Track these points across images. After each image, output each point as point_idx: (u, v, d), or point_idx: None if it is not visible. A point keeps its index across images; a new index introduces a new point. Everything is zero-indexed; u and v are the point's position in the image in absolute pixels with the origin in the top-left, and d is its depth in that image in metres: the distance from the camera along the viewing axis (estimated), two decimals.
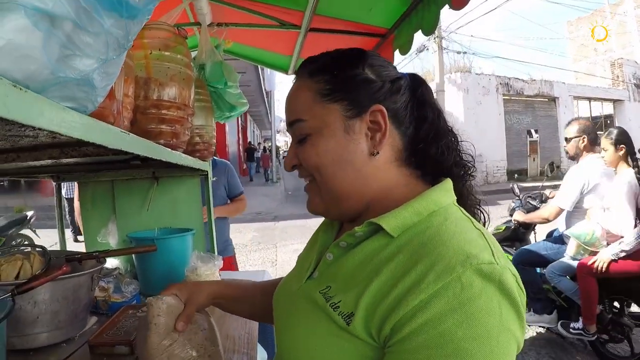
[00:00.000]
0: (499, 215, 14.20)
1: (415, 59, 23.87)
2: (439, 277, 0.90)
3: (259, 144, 46.94)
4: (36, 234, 9.80)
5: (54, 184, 3.23)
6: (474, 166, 1.26)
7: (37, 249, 2.07)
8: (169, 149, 1.82)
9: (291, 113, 1.20)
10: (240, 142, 34.48)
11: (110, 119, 1.12)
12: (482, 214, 1.24)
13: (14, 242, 8.71)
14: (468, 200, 1.23)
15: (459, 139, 1.25)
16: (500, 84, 25.53)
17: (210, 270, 2.48)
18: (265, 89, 29.48)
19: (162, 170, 3.03)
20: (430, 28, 2.57)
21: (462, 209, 1.12)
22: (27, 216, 10.06)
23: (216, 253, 3.07)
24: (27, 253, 2.03)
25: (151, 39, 1.88)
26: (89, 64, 0.78)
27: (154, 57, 1.85)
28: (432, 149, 1.16)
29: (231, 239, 4.65)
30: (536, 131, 26.94)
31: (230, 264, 4.43)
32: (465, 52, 24.43)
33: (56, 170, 2.76)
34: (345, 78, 1.14)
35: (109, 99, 1.12)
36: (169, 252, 2.66)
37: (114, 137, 1.13)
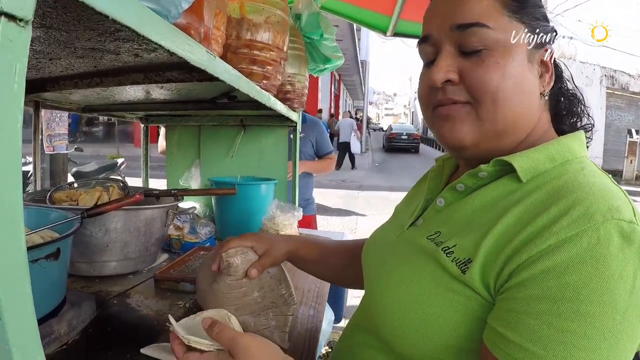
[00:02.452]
0: None
1: None
2: (574, 223, 0.78)
3: (350, 112, 47.20)
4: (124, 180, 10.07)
5: (142, 126, 3.26)
6: (593, 125, 1.17)
7: (118, 183, 2.08)
8: (259, 88, 1.77)
9: (467, 13, 0.99)
10: (332, 110, 34.59)
11: (195, 38, 1.05)
12: None
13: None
14: None
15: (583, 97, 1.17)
16: (605, 75, 23.99)
17: (289, 221, 2.46)
18: (360, 59, 29.38)
19: (251, 118, 3.02)
20: None
21: (597, 165, 1.00)
22: (117, 163, 10.36)
23: (296, 205, 3.04)
24: (107, 186, 2.04)
25: None
26: None
27: None
28: (565, 101, 1.13)
29: (314, 198, 4.58)
30: (637, 132, 24.63)
31: (310, 222, 4.38)
32: (570, 38, 23.52)
33: (142, 109, 2.77)
34: (532, 3, 1.02)
35: (197, 17, 1.06)
36: (249, 198, 2.66)
37: (200, 54, 1.06)
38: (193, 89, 1.87)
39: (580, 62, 23.77)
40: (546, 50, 1.02)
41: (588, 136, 1.12)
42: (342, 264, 1.52)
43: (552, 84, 1.04)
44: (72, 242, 1.38)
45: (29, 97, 2.14)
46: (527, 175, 0.94)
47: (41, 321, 1.21)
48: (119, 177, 9.80)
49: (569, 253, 0.76)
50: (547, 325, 0.75)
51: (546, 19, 1.04)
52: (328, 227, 9.66)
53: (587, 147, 1.09)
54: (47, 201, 1.89)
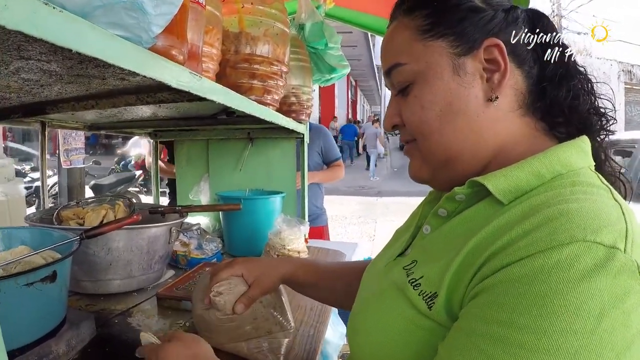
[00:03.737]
0: None
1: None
2: (534, 243, 0.69)
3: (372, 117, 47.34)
4: (143, 192, 10.18)
5: (151, 141, 3.31)
6: (614, 118, 1.01)
7: (123, 200, 2.10)
8: (255, 102, 1.78)
9: (388, 59, 1.01)
10: (350, 116, 34.63)
11: (178, 60, 1.05)
12: (622, 186, 0.96)
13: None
14: (605, 166, 0.98)
15: (594, 81, 1.00)
16: (623, 70, 23.60)
17: (295, 235, 2.45)
18: (376, 64, 29.43)
19: (257, 131, 3.04)
20: None
21: (601, 177, 0.88)
22: (135, 175, 10.47)
23: (307, 219, 3.05)
24: (114, 204, 2.06)
25: None
26: None
27: (246, 10, 1.80)
28: (561, 91, 0.94)
29: (325, 209, 4.50)
30: None
31: (321, 233, 4.31)
32: (585, 33, 23.32)
33: (150, 125, 2.80)
34: (447, 8, 0.95)
35: (178, 38, 1.05)
36: (255, 213, 2.65)
37: (181, 76, 1.07)
38: (191, 107, 1.89)
39: (597, 58, 23.58)
40: (491, 46, 0.92)
41: (603, 134, 0.99)
42: (343, 289, 1.42)
43: (504, 81, 0.92)
44: (77, 261, 1.41)
45: (34, 119, 2.17)
46: (508, 196, 0.85)
47: (40, 341, 1.23)
48: (135, 190, 9.94)
49: (517, 273, 0.68)
50: (475, 347, 0.69)
51: (478, 10, 0.94)
52: (346, 235, 9.64)
53: (603, 143, 0.99)
54: (54, 220, 1.91)
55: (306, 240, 2.69)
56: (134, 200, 2.15)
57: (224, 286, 1.33)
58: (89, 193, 8.54)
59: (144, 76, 0.90)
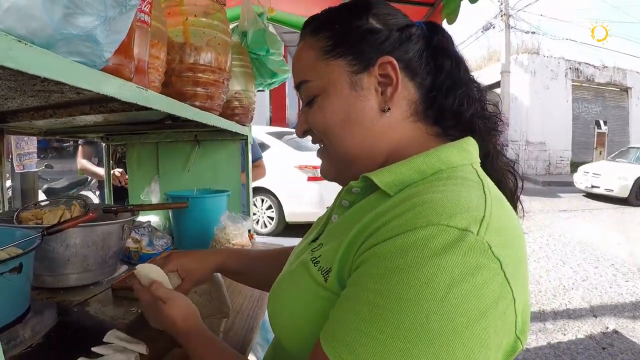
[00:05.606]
0: (557, 208, 13.66)
1: (481, 37, 23.19)
2: (399, 226, 0.81)
3: None
4: (95, 195, 10.06)
5: (104, 145, 3.41)
6: (502, 120, 1.14)
7: (79, 201, 2.21)
8: (197, 109, 1.92)
9: (297, 75, 1.14)
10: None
11: (127, 76, 1.19)
12: (513, 177, 1.12)
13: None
14: (497, 161, 1.11)
15: (482, 88, 1.14)
16: (570, 68, 24.16)
17: (239, 230, 2.59)
18: None
19: (204, 134, 3.16)
20: None
21: (480, 172, 1.00)
22: (87, 178, 10.32)
23: (251, 215, 3.20)
24: (70, 204, 2.17)
25: (189, 6, 1.97)
26: (89, 21, 0.86)
27: (190, 23, 1.94)
28: (449, 99, 1.06)
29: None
30: (605, 122, 25.33)
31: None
32: (533, 32, 23.55)
33: (102, 130, 2.93)
34: (346, 31, 1.06)
35: (125, 57, 1.19)
36: (202, 211, 2.77)
37: (129, 91, 1.21)
38: (139, 114, 2.02)
39: (545, 56, 23.88)
40: (385, 63, 1.03)
41: (492, 134, 1.12)
42: (270, 273, 1.42)
43: (396, 94, 1.04)
44: (37, 257, 1.52)
45: None
46: (393, 188, 0.96)
47: (7, 327, 1.36)
48: (89, 193, 9.78)
49: (384, 249, 0.80)
50: (350, 309, 0.81)
51: (374, 31, 1.06)
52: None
53: (495, 141, 1.12)
54: (15, 221, 1.99)
55: (251, 237, 2.84)
56: (89, 202, 2.27)
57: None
58: (42, 197, 8.47)
59: (97, 92, 1.06)
